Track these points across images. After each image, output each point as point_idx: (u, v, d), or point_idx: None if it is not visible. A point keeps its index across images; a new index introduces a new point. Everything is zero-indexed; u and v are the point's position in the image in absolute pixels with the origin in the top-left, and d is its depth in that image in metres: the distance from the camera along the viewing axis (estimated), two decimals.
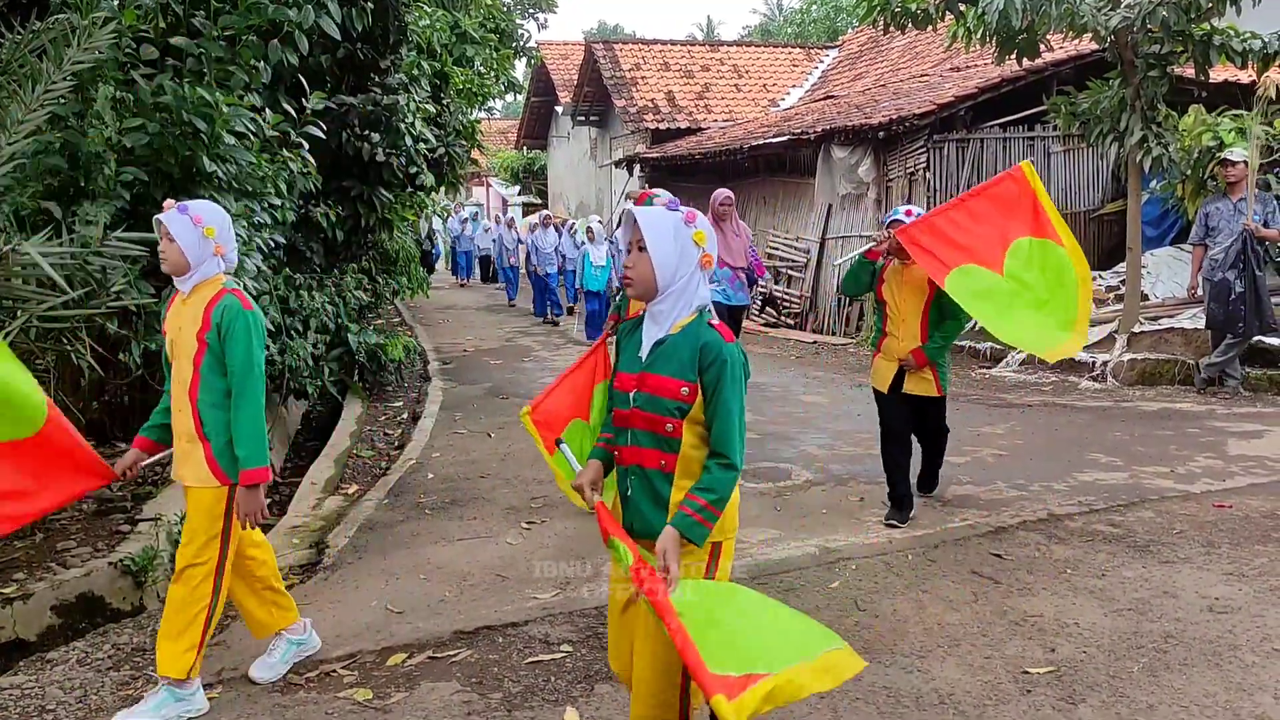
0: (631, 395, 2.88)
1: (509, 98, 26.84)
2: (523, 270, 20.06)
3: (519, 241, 20.67)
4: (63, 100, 4.99)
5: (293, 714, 3.75)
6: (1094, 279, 12.16)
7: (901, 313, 5.62)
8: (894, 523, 5.70)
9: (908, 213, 5.43)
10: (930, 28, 10.84)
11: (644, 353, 2.88)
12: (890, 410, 5.78)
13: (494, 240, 24.20)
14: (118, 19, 5.24)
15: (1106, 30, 9.34)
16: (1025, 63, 10.78)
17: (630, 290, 2.87)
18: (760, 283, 10.58)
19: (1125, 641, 4.14)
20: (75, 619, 4.71)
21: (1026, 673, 3.89)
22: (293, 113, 6.76)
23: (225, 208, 5.78)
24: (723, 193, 10.17)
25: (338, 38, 7.18)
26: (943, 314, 5.51)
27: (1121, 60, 9.85)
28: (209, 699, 3.86)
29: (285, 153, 6.67)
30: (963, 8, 10.17)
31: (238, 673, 4.10)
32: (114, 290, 4.74)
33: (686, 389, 2.78)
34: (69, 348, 4.71)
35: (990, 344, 11.43)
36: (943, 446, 6.08)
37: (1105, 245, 13.74)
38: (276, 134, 6.40)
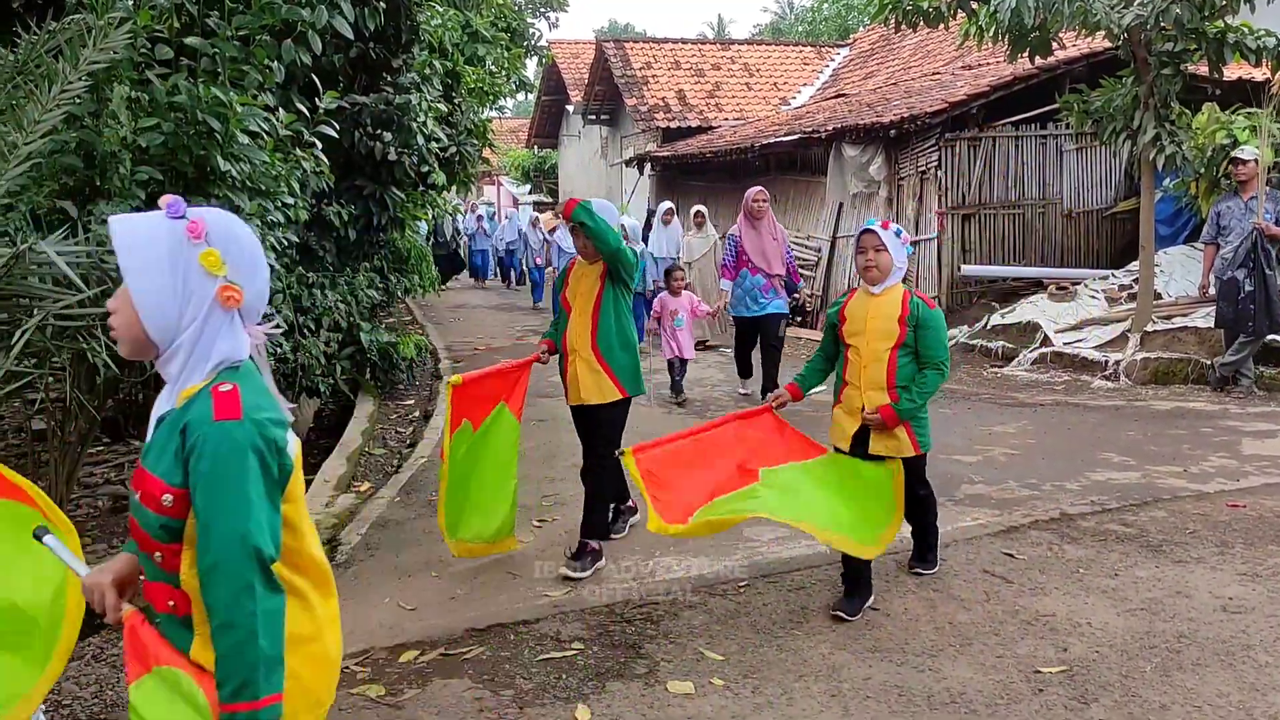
0: (137, 497, 1.96)
1: (520, 97, 26.85)
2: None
3: (545, 241, 19.82)
4: (78, 100, 5.01)
5: None
6: (1107, 277, 12.13)
7: (864, 357, 4.47)
8: (841, 614, 4.45)
9: (884, 224, 4.46)
10: (942, 26, 10.82)
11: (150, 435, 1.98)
12: None
13: (509, 239, 23.54)
14: (133, 19, 5.26)
15: (1120, 28, 9.30)
16: (1038, 61, 10.75)
17: (120, 349, 1.99)
18: (802, 288, 9.69)
19: (1138, 641, 4.13)
20: (90, 615, 4.73)
21: (1038, 672, 3.89)
22: (306, 112, 6.78)
23: (239, 206, 5.83)
24: (756, 189, 9.23)
25: (351, 37, 7.20)
26: (919, 360, 4.42)
27: (1135, 58, 9.81)
28: None
29: (298, 152, 6.68)
30: (975, 5, 10.15)
31: None
32: None
33: (171, 497, 1.85)
34: (85, 345, 4.73)
35: (1002, 343, 11.40)
36: (930, 511, 4.88)
37: (1118, 244, 13.69)
38: (290, 133, 6.41)
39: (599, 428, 5.27)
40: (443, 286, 22.05)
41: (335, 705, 3.75)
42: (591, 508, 5.25)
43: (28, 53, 5.03)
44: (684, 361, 9.68)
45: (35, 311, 4.33)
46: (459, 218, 24.05)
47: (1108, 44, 10.98)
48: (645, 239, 13.89)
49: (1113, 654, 4.03)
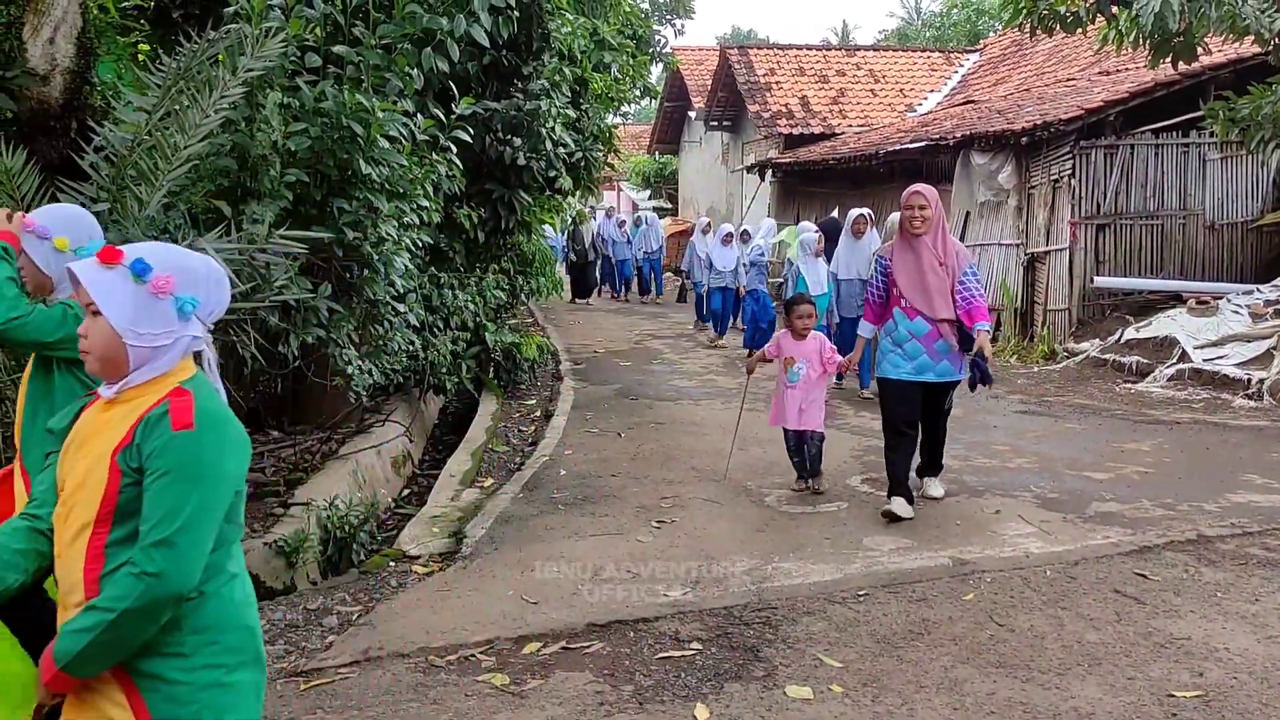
0: None
1: (643, 102, 26.97)
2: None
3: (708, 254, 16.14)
4: (234, 105, 5.30)
5: (434, 694, 3.91)
6: (1252, 292, 11.60)
7: (62, 539, 2.13)
8: None
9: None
10: (1079, 31, 10.52)
11: None
12: None
13: (651, 247, 21.32)
14: (285, 29, 5.54)
15: (1270, 32, 8.90)
16: (1181, 67, 10.36)
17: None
18: (981, 331, 5.78)
19: None
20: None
21: (1172, 696, 3.76)
22: (441, 117, 7.01)
23: (378, 207, 6.07)
24: (913, 188, 6.02)
25: (486, 45, 7.41)
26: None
27: None
28: (349, 676, 4.05)
29: (434, 156, 6.91)
30: (1115, 10, 9.84)
31: (384, 651, 4.29)
32: (276, 285, 5.01)
33: None
34: (235, 338, 4.99)
35: (1137, 358, 11.01)
36: None
37: (1265, 257, 13.07)
38: (426, 138, 6.64)
39: None
40: (580, 301, 20.87)
41: (462, 691, 3.90)
42: None
43: (189, 60, 5.33)
44: (802, 435, 6.55)
45: None
46: (599, 222, 21.69)
47: (1257, 49, 10.52)
48: (829, 255, 10.99)
49: (1252, 681, 3.87)
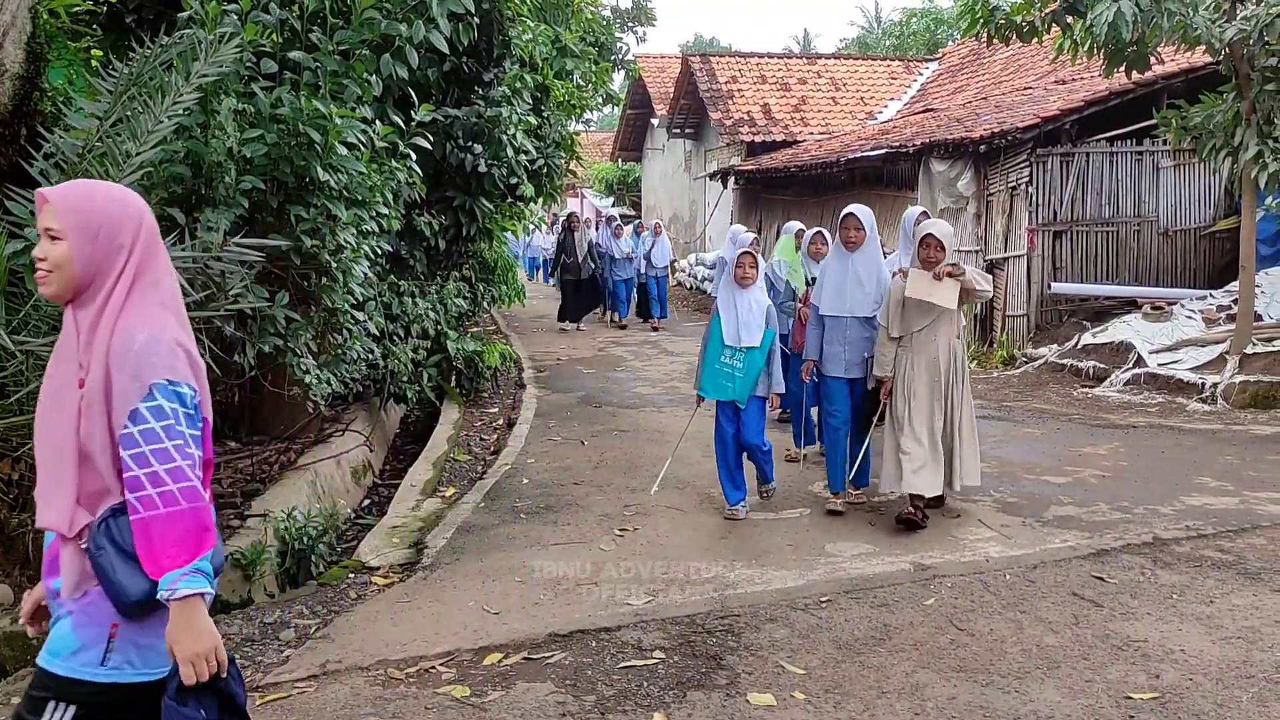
0: None
1: (605, 110, 26.93)
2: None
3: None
4: (188, 112, 5.23)
5: (393, 707, 3.86)
6: (1205, 298, 11.79)
7: None
8: None
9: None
10: (1035, 40, 10.65)
11: None
12: None
13: (659, 264, 17.81)
14: (240, 34, 5.47)
15: (1221, 42, 9.07)
16: (1135, 76, 10.51)
17: None
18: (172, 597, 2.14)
19: (1234, 670, 4.01)
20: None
21: (1129, 698, 3.80)
22: (401, 124, 6.96)
23: (336, 215, 6.01)
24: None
25: (445, 51, 7.36)
26: None
27: (1236, 73, 9.54)
28: (306, 691, 3.99)
29: (393, 163, 6.86)
30: (1070, 20, 9.97)
31: (342, 665, 4.23)
32: (232, 294, 4.94)
33: None
34: None
35: (1093, 362, 11.14)
36: None
37: (1217, 263, 13.30)
38: (385, 145, 6.59)
39: None
40: (573, 326, 17.06)
41: (421, 703, 3.85)
42: None
43: (142, 65, 5.24)
44: None
45: None
46: (597, 230, 18.53)
47: (1208, 59, 10.69)
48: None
49: (1207, 682, 3.92)
